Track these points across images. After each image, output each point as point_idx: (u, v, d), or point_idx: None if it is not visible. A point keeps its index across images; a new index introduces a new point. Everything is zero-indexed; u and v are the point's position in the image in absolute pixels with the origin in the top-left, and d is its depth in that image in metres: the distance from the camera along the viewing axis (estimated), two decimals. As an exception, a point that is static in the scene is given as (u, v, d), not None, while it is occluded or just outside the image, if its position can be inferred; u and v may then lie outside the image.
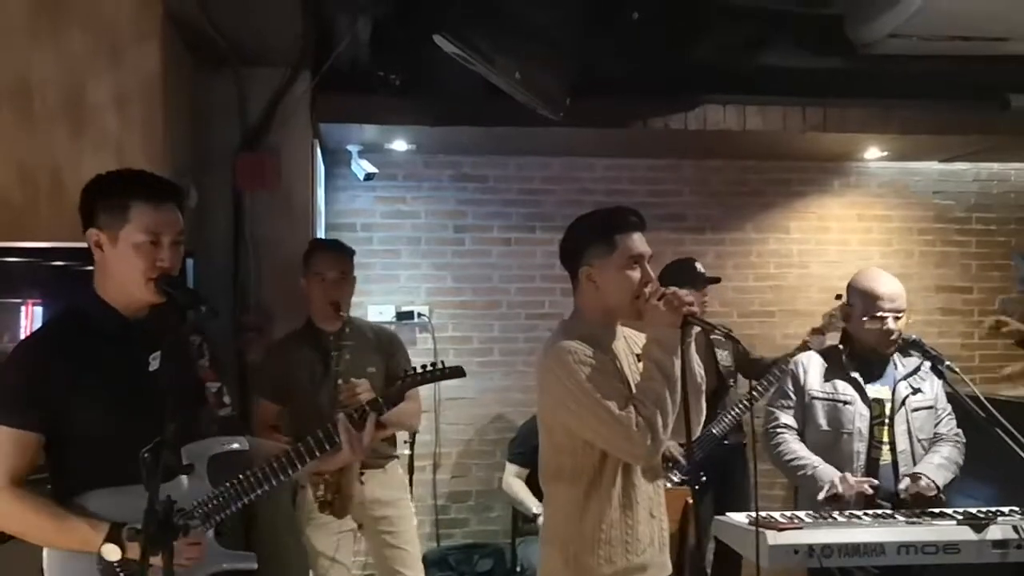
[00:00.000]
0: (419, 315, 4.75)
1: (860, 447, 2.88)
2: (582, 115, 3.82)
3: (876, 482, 2.77)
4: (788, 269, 5.11)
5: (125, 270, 1.86)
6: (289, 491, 3.32)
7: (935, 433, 2.96)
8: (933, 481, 2.77)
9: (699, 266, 3.90)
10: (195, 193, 3.16)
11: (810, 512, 2.71)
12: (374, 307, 4.65)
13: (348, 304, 3.22)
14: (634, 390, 2.08)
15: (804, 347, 3.57)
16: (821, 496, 2.74)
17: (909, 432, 2.89)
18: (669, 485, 3.55)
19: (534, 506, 3.81)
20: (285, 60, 3.49)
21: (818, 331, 3.64)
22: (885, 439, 2.89)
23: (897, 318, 2.85)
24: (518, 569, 4.18)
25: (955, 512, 2.63)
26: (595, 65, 3.71)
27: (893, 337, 2.86)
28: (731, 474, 3.93)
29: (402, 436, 4.02)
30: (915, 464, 2.87)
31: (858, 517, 2.66)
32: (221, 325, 3.39)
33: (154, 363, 1.89)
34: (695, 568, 3.37)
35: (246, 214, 3.57)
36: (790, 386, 3.02)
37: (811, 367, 3.01)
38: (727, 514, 2.75)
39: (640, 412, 1.99)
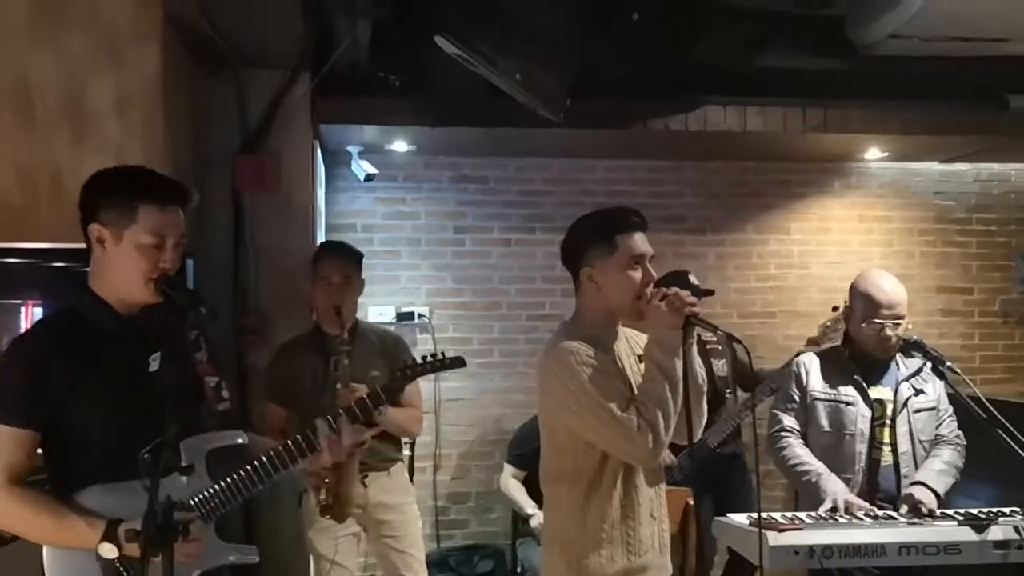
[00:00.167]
0: (419, 316, 4.76)
1: (862, 448, 2.87)
2: (582, 116, 3.81)
3: (876, 511, 2.76)
4: (789, 270, 5.11)
5: (127, 269, 1.86)
6: (294, 494, 3.32)
7: (936, 435, 2.95)
8: (933, 490, 2.76)
9: (693, 278, 3.88)
10: (196, 195, 3.15)
11: (811, 513, 2.71)
12: (374, 308, 4.65)
13: (353, 308, 3.22)
14: (636, 391, 2.08)
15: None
16: (822, 510, 2.73)
17: (911, 433, 2.89)
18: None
19: (528, 507, 3.82)
20: (285, 62, 3.49)
21: (814, 342, 3.62)
22: (886, 440, 2.89)
23: (896, 324, 2.84)
24: (518, 570, 4.18)
25: (956, 513, 2.63)
26: (595, 66, 3.71)
27: (891, 343, 2.85)
28: (727, 481, 3.92)
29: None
30: (916, 465, 2.87)
31: (859, 518, 2.65)
32: (221, 327, 3.39)
33: (154, 364, 1.89)
34: (698, 572, 3.37)
35: (246, 216, 3.57)
36: (794, 388, 3.01)
37: (813, 368, 3.00)
38: (728, 515, 2.75)
39: (642, 414, 1.98)
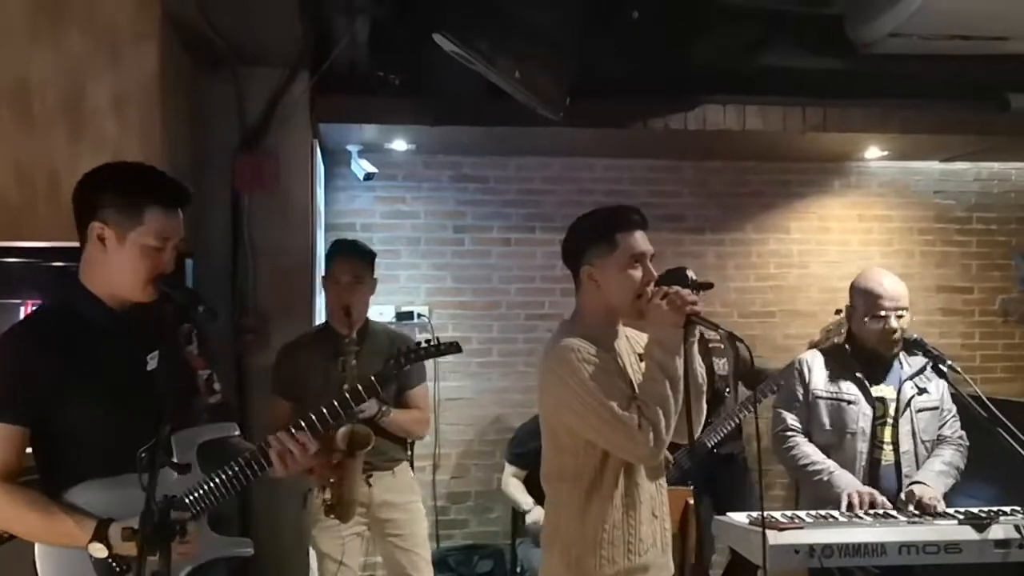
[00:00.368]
0: (419, 315, 4.75)
1: (863, 447, 2.86)
2: (582, 115, 3.81)
3: (888, 502, 2.75)
4: (788, 269, 5.11)
5: (126, 270, 1.85)
6: (294, 494, 3.31)
7: (939, 435, 2.94)
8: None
9: (691, 273, 3.88)
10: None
11: (811, 512, 2.71)
12: (374, 307, 4.59)
13: (364, 308, 3.22)
14: (637, 390, 2.07)
15: None
16: (841, 509, 2.72)
17: (913, 433, 2.88)
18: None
19: (525, 504, 3.81)
20: (284, 60, 3.48)
21: (816, 344, 3.61)
22: (887, 439, 2.88)
23: (899, 316, 2.84)
24: (518, 570, 4.18)
25: (956, 512, 2.63)
26: (595, 65, 3.70)
27: (895, 336, 2.85)
28: (726, 481, 3.91)
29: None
30: (918, 465, 2.86)
31: (859, 517, 2.65)
32: (220, 327, 3.38)
33: (152, 362, 1.88)
34: (698, 572, 3.36)
35: (245, 215, 3.56)
36: (797, 386, 3.01)
37: (815, 366, 3.00)
38: (728, 514, 2.74)
39: (643, 412, 1.98)
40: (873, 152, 4.85)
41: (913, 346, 2.84)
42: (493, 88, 3.34)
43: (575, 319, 2.21)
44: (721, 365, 3.96)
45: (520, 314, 4.87)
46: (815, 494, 2.88)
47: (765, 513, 2.49)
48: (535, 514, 3.76)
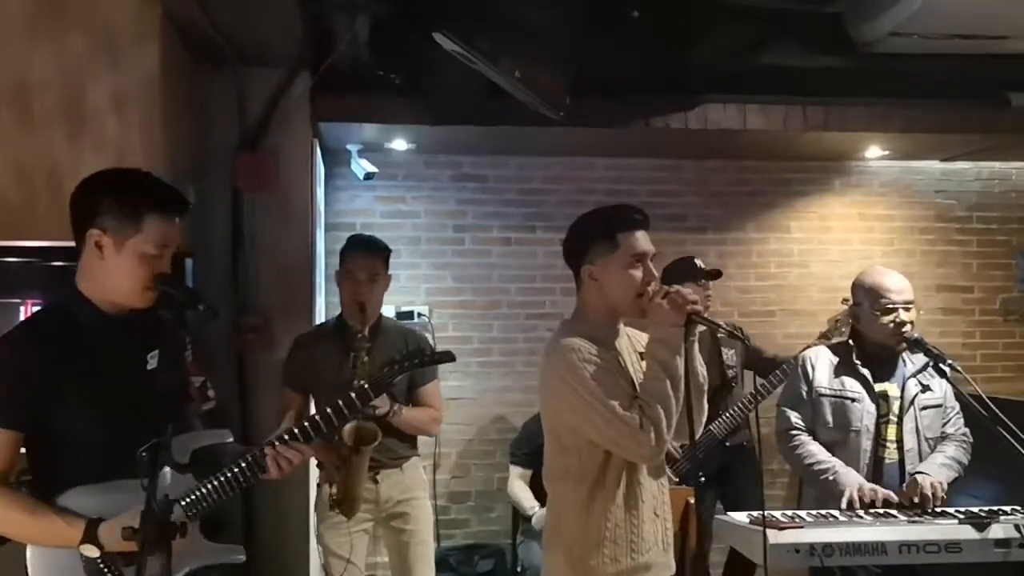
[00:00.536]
0: (419, 315, 4.74)
1: (867, 445, 2.86)
2: (583, 115, 3.80)
3: (893, 496, 2.75)
4: (789, 269, 5.11)
5: (124, 277, 1.84)
6: (297, 491, 3.31)
7: (942, 432, 2.93)
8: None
9: (699, 262, 3.87)
10: (192, 193, 3.15)
11: (811, 511, 2.70)
12: (374, 307, 4.64)
13: (378, 305, 3.21)
14: (638, 389, 2.07)
15: None
16: (843, 506, 2.72)
17: (917, 430, 2.87)
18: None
19: (529, 507, 3.80)
20: (284, 60, 3.48)
21: (825, 336, 3.60)
22: (891, 437, 2.87)
23: (907, 309, 2.84)
24: (519, 569, 4.17)
25: (957, 511, 2.63)
26: (596, 64, 3.70)
27: (905, 329, 2.84)
28: (732, 475, 3.91)
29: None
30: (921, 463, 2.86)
31: (859, 516, 2.65)
32: (220, 326, 3.38)
33: (152, 362, 1.88)
34: (698, 571, 3.36)
35: (245, 214, 3.56)
36: (801, 384, 3.00)
37: (819, 363, 2.99)
38: (728, 513, 2.74)
39: (645, 411, 1.98)
40: (874, 151, 4.85)
41: (913, 345, 2.84)
42: (494, 87, 3.34)
43: (576, 318, 2.21)
44: (730, 356, 3.94)
45: (520, 313, 4.86)
46: (820, 493, 2.88)
47: (766, 512, 2.50)
48: (539, 518, 3.75)
